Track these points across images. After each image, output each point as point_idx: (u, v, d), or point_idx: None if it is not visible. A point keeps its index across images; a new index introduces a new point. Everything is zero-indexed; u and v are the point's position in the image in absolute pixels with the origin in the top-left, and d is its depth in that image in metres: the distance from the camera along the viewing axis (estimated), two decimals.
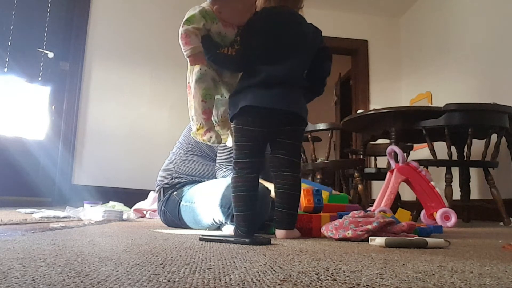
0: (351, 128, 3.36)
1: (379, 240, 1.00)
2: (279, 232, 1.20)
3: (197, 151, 1.69)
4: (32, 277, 0.48)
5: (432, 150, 2.49)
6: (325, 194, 1.59)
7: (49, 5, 3.54)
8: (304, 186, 1.36)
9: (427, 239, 1.01)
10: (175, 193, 1.63)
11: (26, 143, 3.27)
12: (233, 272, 0.57)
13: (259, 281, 0.51)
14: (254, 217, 1.19)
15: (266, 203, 1.37)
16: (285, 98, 1.20)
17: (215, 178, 1.63)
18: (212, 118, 1.29)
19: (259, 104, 1.17)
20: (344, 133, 5.28)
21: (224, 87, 1.27)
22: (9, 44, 3.21)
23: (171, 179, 1.66)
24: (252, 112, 1.18)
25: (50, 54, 3.48)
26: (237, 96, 1.22)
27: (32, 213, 1.89)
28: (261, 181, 1.47)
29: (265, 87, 1.18)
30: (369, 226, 1.14)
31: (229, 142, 1.35)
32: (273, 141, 1.25)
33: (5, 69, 3.18)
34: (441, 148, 2.63)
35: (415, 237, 1.08)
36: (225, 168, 1.62)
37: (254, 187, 1.19)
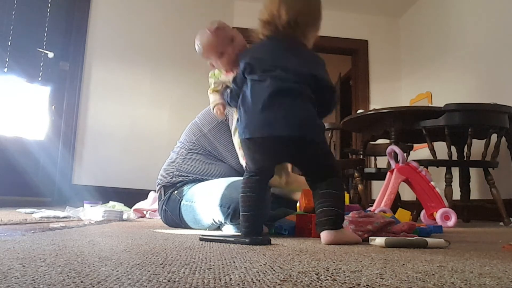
0: (351, 128, 3.36)
1: (379, 240, 1.00)
2: (325, 234, 1.06)
3: (200, 150, 1.68)
4: (32, 277, 0.48)
5: (432, 150, 2.49)
6: None
7: (49, 5, 3.54)
8: (304, 186, 1.36)
9: (427, 239, 1.01)
10: (176, 192, 1.63)
11: (26, 143, 3.27)
12: (233, 272, 0.57)
13: (259, 281, 0.51)
14: (257, 219, 1.18)
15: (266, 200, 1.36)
16: (287, 118, 1.08)
17: (217, 176, 1.62)
18: None
19: (258, 135, 1.10)
20: (344, 133, 5.28)
21: None
22: (9, 44, 3.21)
23: (172, 177, 1.65)
24: (252, 145, 1.13)
25: (50, 54, 3.48)
26: (238, 122, 1.18)
27: (32, 213, 1.89)
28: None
29: (262, 105, 1.10)
30: (370, 227, 1.14)
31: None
32: (292, 162, 1.22)
33: (5, 69, 3.18)
34: (441, 148, 2.63)
35: (415, 237, 1.08)
36: None
37: (262, 190, 1.18)
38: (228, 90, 1.33)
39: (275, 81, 1.12)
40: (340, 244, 1.03)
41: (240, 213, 1.18)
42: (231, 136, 1.55)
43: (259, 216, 1.18)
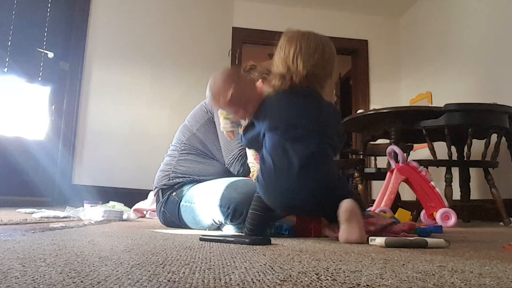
0: (351, 128, 3.36)
1: (379, 240, 1.00)
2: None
3: (191, 149, 1.68)
4: (32, 277, 0.48)
5: (432, 150, 2.49)
6: None
7: (49, 5, 3.54)
8: None
9: (427, 239, 1.01)
10: (174, 193, 1.63)
11: (26, 143, 3.27)
12: (233, 272, 0.57)
13: (259, 281, 0.51)
14: (265, 221, 1.20)
15: None
16: (312, 189, 1.09)
17: (213, 176, 1.62)
18: None
19: (280, 205, 1.14)
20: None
21: None
22: (9, 44, 3.21)
23: (169, 179, 1.66)
24: (272, 206, 1.17)
25: (50, 54, 3.48)
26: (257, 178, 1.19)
27: (32, 213, 1.89)
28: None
29: (285, 174, 1.11)
30: (371, 228, 1.14)
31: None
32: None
33: (5, 69, 3.18)
34: (441, 148, 2.63)
35: (415, 237, 1.08)
36: (237, 160, 1.59)
37: None
38: (243, 140, 1.32)
39: (297, 144, 1.13)
40: (352, 223, 1.05)
41: (250, 210, 1.21)
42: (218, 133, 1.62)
43: (267, 219, 1.21)
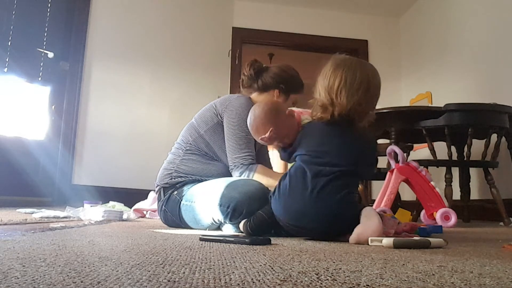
0: None
1: (386, 241, 1.00)
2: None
3: (196, 150, 1.68)
4: (32, 277, 0.48)
5: (432, 150, 2.48)
6: None
7: (49, 5, 3.54)
8: None
9: (429, 239, 1.01)
10: (175, 192, 1.63)
11: (26, 143, 3.27)
12: (233, 272, 0.57)
13: (259, 281, 0.51)
14: (269, 225, 1.22)
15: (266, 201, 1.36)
16: (324, 215, 1.10)
17: (216, 176, 1.62)
18: None
19: (292, 222, 1.16)
20: None
21: None
22: (9, 44, 3.21)
23: (171, 178, 1.65)
24: (283, 224, 1.19)
25: (50, 54, 3.48)
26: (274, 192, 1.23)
27: (32, 213, 1.89)
28: (263, 169, 1.55)
29: (300, 196, 1.14)
30: (391, 231, 1.16)
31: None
32: None
33: (5, 69, 3.18)
34: (441, 148, 2.63)
35: (419, 238, 1.08)
36: (241, 164, 1.58)
37: None
38: (282, 154, 1.37)
39: (318, 170, 1.15)
40: (371, 219, 1.07)
41: (260, 211, 1.24)
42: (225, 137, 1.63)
43: (273, 226, 1.24)
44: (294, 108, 1.45)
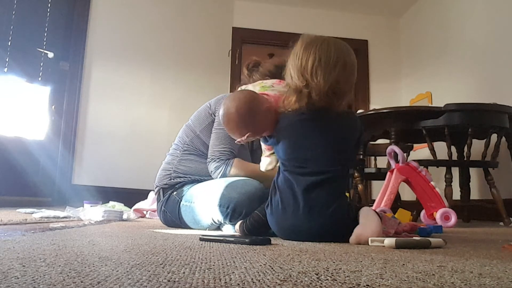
0: None
1: (387, 241, 0.99)
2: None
3: (193, 150, 1.68)
4: (32, 277, 0.48)
5: (432, 150, 2.48)
6: None
7: (49, 5, 3.54)
8: None
9: (430, 239, 1.01)
10: (174, 193, 1.63)
11: (26, 143, 3.27)
12: (233, 272, 0.57)
13: (259, 281, 0.51)
14: (267, 226, 1.20)
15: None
16: (318, 228, 1.07)
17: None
18: None
19: (287, 237, 1.13)
20: None
21: None
22: (9, 44, 3.21)
23: (170, 179, 1.66)
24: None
25: (50, 54, 3.48)
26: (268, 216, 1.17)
27: (32, 213, 1.89)
28: (240, 162, 1.56)
29: (292, 209, 1.09)
30: (391, 231, 1.16)
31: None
32: None
33: (5, 69, 3.18)
34: (441, 148, 2.63)
35: (420, 238, 1.08)
36: (218, 158, 1.57)
37: None
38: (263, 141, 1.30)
39: (304, 181, 1.09)
40: (369, 219, 1.07)
41: (256, 211, 1.23)
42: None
43: (268, 223, 1.21)
44: (269, 92, 1.30)
